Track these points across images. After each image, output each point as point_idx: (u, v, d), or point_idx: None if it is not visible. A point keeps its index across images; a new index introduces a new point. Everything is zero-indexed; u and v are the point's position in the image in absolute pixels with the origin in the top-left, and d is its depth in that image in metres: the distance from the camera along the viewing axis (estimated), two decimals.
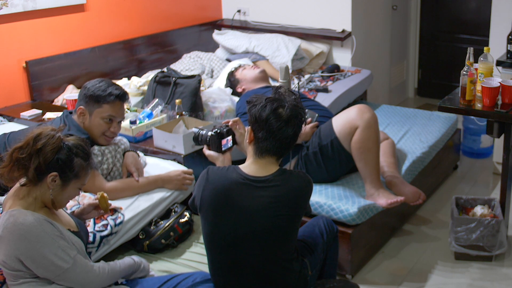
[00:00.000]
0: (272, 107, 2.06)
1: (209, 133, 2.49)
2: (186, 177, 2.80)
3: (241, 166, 2.14)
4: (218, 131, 2.47)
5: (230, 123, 2.53)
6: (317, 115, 3.21)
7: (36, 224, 1.88)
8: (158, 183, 2.75)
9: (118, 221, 2.48)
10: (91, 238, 2.36)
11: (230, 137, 2.51)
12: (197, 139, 2.55)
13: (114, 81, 3.92)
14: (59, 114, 2.97)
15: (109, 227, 2.43)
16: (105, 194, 2.26)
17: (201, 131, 2.54)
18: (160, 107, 3.39)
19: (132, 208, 2.62)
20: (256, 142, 2.11)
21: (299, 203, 2.12)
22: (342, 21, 4.61)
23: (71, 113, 2.74)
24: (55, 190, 1.97)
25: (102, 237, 2.41)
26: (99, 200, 2.25)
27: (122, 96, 2.68)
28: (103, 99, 2.63)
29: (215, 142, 2.46)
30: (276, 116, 2.05)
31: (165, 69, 3.80)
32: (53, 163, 1.93)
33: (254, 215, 2.06)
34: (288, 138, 2.09)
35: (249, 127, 2.14)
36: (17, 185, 1.98)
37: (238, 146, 2.55)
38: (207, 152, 2.51)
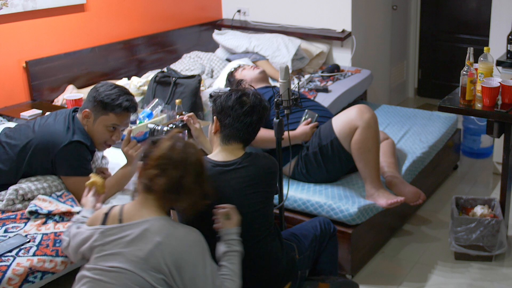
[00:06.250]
0: (237, 95, 2.20)
1: (165, 128, 2.57)
2: (128, 148, 2.67)
3: (209, 156, 2.22)
4: (173, 126, 2.57)
5: (185, 118, 2.62)
6: (317, 115, 3.20)
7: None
8: (129, 166, 2.69)
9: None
10: None
11: (186, 132, 2.60)
12: (153, 134, 2.61)
13: (114, 81, 3.93)
14: None
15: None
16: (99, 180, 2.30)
17: (157, 127, 2.61)
18: (160, 107, 3.39)
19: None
20: (223, 130, 2.21)
21: (269, 180, 2.22)
22: (342, 21, 4.62)
23: (76, 110, 2.67)
24: None
25: None
26: (96, 185, 2.29)
27: (131, 108, 2.62)
28: (111, 108, 2.56)
29: None
30: (241, 103, 2.19)
31: (165, 69, 3.80)
32: None
33: (231, 197, 2.13)
34: (253, 123, 2.20)
35: (214, 117, 2.24)
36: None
37: (195, 140, 2.63)
38: None
